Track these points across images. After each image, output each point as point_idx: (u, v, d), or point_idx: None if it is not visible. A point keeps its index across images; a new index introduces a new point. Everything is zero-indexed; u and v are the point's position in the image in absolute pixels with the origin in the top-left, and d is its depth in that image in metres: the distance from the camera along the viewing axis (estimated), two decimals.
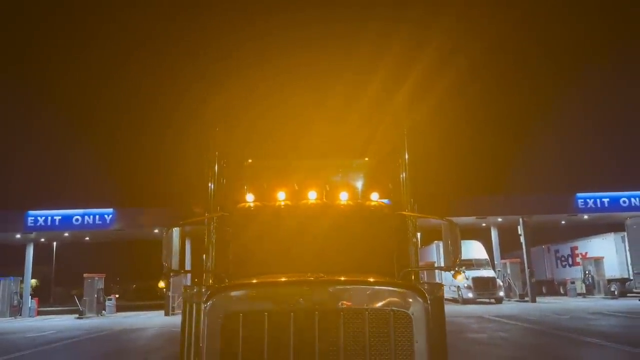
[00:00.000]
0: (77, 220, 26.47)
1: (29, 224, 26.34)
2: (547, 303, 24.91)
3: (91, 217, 26.50)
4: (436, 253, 27.47)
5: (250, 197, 5.27)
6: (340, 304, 3.55)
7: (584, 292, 28.52)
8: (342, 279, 3.89)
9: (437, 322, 3.85)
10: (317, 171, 5.81)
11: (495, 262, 28.71)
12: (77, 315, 25.43)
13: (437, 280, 18.43)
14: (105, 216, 26.54)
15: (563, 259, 33.28)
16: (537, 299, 26.52)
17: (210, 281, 5.02)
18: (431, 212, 5.86)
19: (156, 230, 27.32)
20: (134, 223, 27.12)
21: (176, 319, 19.85)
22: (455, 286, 25.85)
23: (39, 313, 28.13)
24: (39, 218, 26.41)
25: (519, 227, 28.06)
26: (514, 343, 11.57)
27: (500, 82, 71.69)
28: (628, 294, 26.57)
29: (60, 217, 26.50)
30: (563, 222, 31.28)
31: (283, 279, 4.01)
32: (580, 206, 27.47)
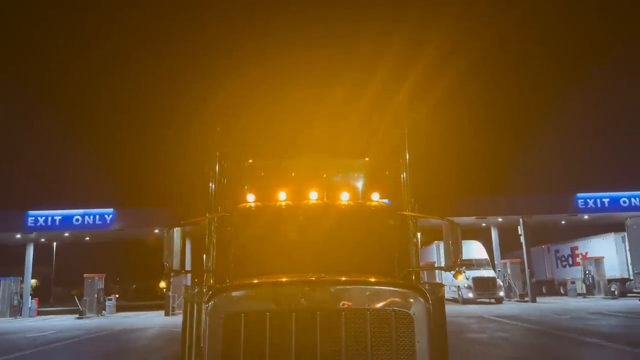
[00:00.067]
0: (77, 220, 26.47)
1: (29, 224, 26.34)
2: (547, 303, 24.91)
3: (91, 217, 26.49)
4: (436, 253, 27.47)
5: (251, 197, 5.27)
6: (341, 304, 3.55)
7: (584, 292, 28.52)
8: (344, 279, 3.88)
9: (438, 322, 3.86)
10: (318, 171, 5.81)
11: (496, 262, 28.70)
12: (77, 316, 25.42)
13: (438, 281, 18.42)
14: (106, 216, 26.53)
15: (563, 259, 33.28)
16: (537, 299, 26.51)
17: (211, 281, 5.02)
18: (431, 212, 5.87)
19: (156, 230, 27.32)
20: (134, 223, 27.12)
21: (176, 319, 19.86)
22: (455, 286, 25.85)
23: (39, 313, 28.11)
24: (39, 218, 26.40)
25: (519, 227, 28.05)
26: (514, 343, 11.56)
27: (501, 82, 71.68)
28: (628, 294, 26.58)
29: (60, 217, 26.49)
30: (563, 222, 31.27)
31: (284, 279, 4.01)
32: (580, 206, 27.46)
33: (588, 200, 27.46)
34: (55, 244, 41.05)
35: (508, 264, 28.24)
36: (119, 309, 28.78)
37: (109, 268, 36.78)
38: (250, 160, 5.88)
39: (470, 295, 25.12)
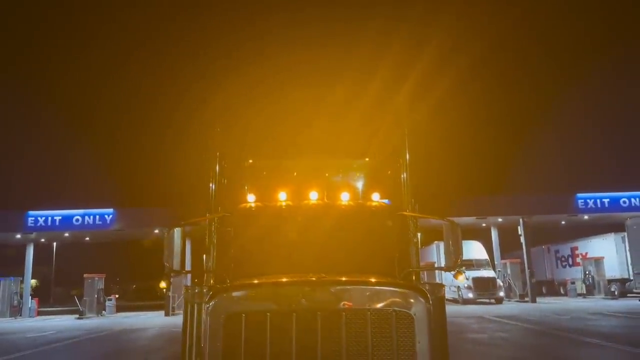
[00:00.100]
0: (77, 220, 26.47)
1: (29, 224, 26.34)
2: (547, 303, 24.91)
3: (91, 217, 26.50)
4: (436, 253, 27.46)
5: (251, 198, 5.27)
6: (342, 304, 3.55)
7: (584, 292, 28.51)
8: (344, 279, 3.88)
9: (438, 323, 3.86)
10: (318, 171, 5.82)
11: (496, 263, 28.70)
12: (77, 316, 25.41)
13: (437, 281, 18.43)
14: (106, 216, 26.54)
15: (563, 259, 33.28)
16: (537, 299, 26.51)
17: (211, 281, 5.02)
18: (432, 212, 5.87)
19: (156, 230, 27.33)
20: (134, 223, 27.12)
21: (176, 319, 19.85)
22: (455, 286, 25.84)
23: (39, 313, 28.11)
24: (39, 218, 26.41)
25: (519, 227, 28.05)
26: (515, 343, 11.56)
27: (501, 81, 71.65)
28: (628, 294, 26.57)
29: (60, 217, 26.50)
30: (563, 222, 31.28)
31: (285, 280, 4.01)
32: (580, 206, 27.47)
33: (588, 200, 27.47)
34: (55, 244, 41.04)
35: (508, 264, 28.24)
36: (119, 309, 28.78)
37: (109, 268, 36.78)
38: (251, 161, 5.88)
39: (470, 295, 25.12)
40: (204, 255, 5.15)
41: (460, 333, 13.06)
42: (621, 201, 27.36)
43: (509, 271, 27.96)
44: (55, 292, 50.69)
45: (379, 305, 3.57)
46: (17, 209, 27.32)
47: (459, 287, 25.77)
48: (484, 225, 30.26)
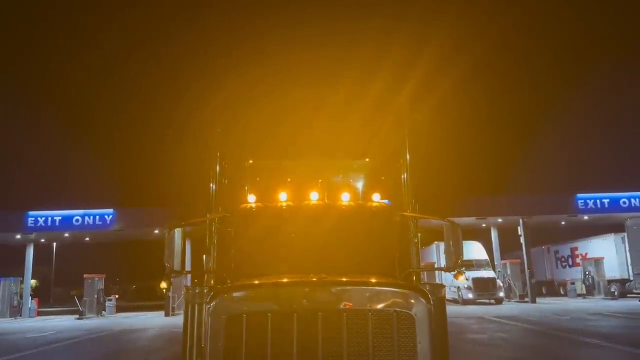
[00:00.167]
0: (77, 220, 26.46)
1: (29, 225, 26.32)
2: (547, 304, 24.91)
3: (91, 217, 26.48)
4: (436, 254, 27.46)
5: (251, 198, 5.27)
6: (343, 304, 3.55)
7: (584, 292, 28.51)
8: (345, 279, 3.88)
9: (439, 323, 3.86)
10: (319, 172, 5.82)
11: (495, 263, 28.70)
12: (77, 316, 25.40)
13: (437, 281, 18.43)
14: (106, 216, 26.52)
15: (563, 259, 33.27)
16: (537, 299, 26.51)
17: (212, 282, 5.02)
18: (432, 212, 5.87)
19: (156, 231, 27.31)
20: (134, 223, 27.10)
21: (176, 320, 19.85)
22: (455, 287, 25.84)
23: (39, 313, 28.11)
24: (39, 218, 26.39)
25: (519, 227, 28.04)
26: (514, 344, 11.56)
27: (501, 82, 71.78)
28: (628, 295, 26.57)
29: (60, 218, 26.48)
30: (563, 222, 31.26)
31: (285, 280, 4.01)
32: (580, 207, 27.46)
33: (588, 200, 27.46)
34: (55, 244, 41.05)
35: (508, 265, 28.24)
36: (119, 309, 28.77)
37: (108, 268, 36.80)
38: (251, 161, 5.88)
39: (470, 295, 25.11)
40: (205, 256, 5.15)
41: (460, 333, 13.06)
42: (621, 201, 27.36)
43: (508, 271, 27.96)
44: (55, 293, 50.68)
45: (380, 306, 3.57)
46: (17, 209, 27.32)
47: (459, 287, 25.76)
48: (484, 225, 30.25)
